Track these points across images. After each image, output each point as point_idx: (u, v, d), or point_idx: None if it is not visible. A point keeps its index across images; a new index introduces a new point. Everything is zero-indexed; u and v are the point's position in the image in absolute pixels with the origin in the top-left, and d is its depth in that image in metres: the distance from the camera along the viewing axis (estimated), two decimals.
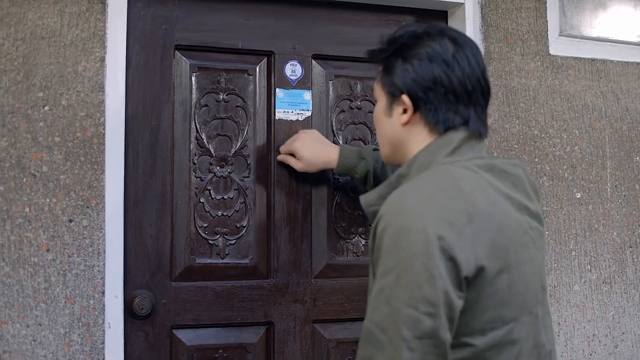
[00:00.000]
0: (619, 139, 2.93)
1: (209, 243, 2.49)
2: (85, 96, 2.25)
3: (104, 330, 2.22)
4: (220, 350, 2.45)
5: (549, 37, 2.85)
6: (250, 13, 2.58)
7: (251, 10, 2.58)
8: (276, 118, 2.58)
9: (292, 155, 2.48)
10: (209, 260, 2.47)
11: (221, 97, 2.53)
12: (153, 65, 2.44)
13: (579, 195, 2.82)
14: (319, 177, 2.61)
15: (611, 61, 2.95)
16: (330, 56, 2.68)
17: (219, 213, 2.51)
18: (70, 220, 2.20)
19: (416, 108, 1.71)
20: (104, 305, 2.23)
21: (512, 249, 1.58)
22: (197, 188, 2.49)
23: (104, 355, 2.22)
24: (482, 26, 2.74)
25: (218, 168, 2.51)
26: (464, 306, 1.52)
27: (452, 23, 2.78)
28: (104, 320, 2.22)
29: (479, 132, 1.72)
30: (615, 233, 2.88)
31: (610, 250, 2.87)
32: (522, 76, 2.78)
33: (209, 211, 2.49)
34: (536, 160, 2.76)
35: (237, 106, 2.55)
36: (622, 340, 2.86)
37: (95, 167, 2.24)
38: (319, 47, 2.67)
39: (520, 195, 1.68)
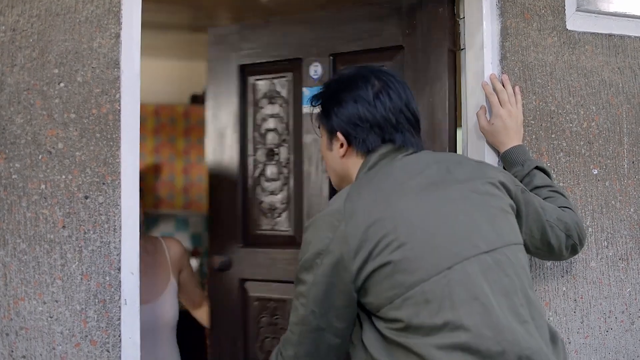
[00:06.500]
0: (636, 115, 2.90)
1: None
2: (101, 73, 2.24)
3: (120, 307, 2.23)
4: None
5: (566, 12, 2.81)
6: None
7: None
8: (303, 112, 2.84)
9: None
10: None
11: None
12: None
13: (595, 172, 2.80)
14: None
15: (629, 37, 2.92)
16: (345, 52, 2.91)
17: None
18: (86, 197, 2.20)
19: (349, 142, 2.09)
20: (120, 281, 2.23)
21: (404, 223, 1.85)
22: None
23: (120, 331, 2.22)
24: (498, 1, 2.71)
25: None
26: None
27: None
28: (120, 296, 2.23)
29: (403, 145, 2.07)
30: (632, 209, 2.86)
31: (627, 227, 2.85)
32: (539, 52, 2.76)
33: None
34: (553, 136, 2.74)
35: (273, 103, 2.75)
36: (639, 317, 2.85)
37: (111, 143, 2.24)
38: (334, 46, 2.93)
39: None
